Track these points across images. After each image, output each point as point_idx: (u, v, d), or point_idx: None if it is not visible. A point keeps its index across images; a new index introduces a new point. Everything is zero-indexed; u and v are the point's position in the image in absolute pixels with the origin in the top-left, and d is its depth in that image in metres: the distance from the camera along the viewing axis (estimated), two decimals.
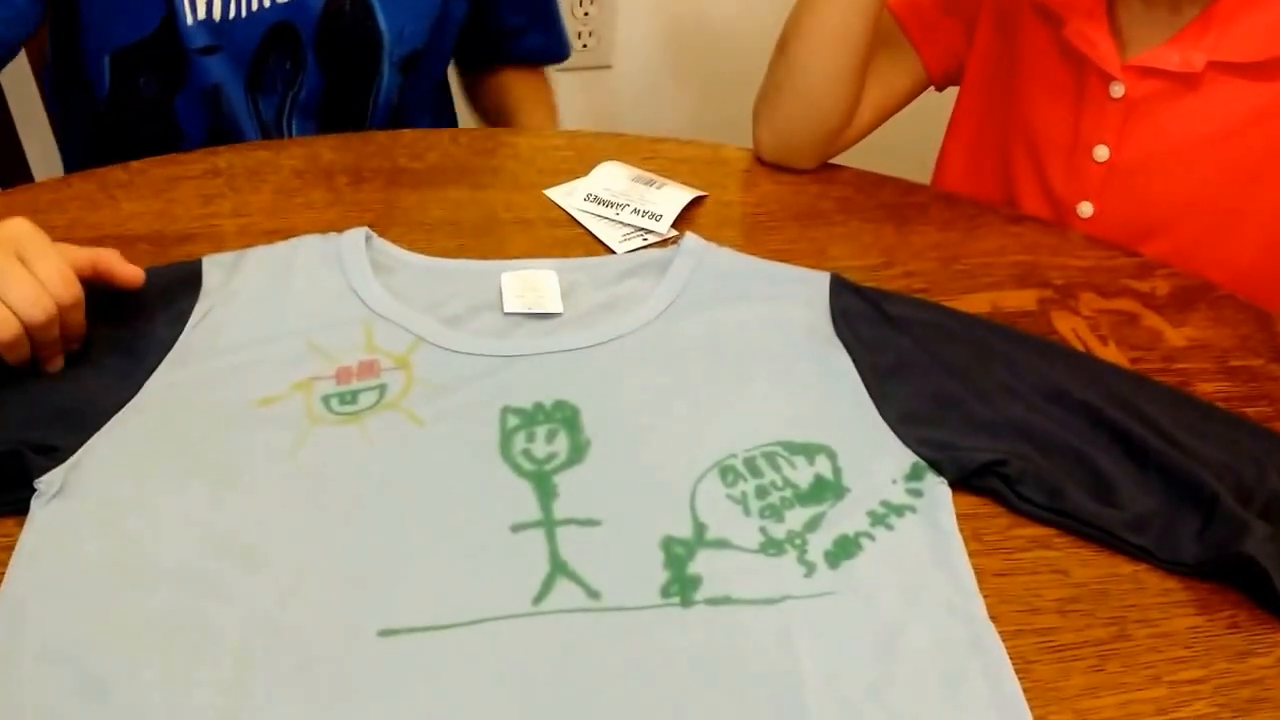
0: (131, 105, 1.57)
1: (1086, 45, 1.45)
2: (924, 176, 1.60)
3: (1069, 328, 1.28)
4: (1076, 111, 1.49)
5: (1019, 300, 1.31)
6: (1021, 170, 1.58)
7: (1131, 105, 1.45)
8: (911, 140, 1.85)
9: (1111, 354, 1.25)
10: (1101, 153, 1.48)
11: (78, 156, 1.68)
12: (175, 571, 0.93)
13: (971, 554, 1.01)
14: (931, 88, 1.63)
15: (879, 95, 1.56)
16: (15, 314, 0.99)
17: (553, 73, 2.68)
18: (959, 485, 1.06)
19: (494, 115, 1.83)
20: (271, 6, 1.50)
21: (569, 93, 2.70)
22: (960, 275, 1.34)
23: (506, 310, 1.19)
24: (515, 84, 1.86)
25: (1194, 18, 1.40)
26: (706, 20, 2.54)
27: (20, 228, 1.03)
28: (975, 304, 1.29)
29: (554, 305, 1.20)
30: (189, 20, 1.47)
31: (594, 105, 2.73)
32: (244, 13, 1.48)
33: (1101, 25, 1.44)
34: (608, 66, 2.58)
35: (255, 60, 1.53)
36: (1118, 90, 1.44)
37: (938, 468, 1.07)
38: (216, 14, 1.48)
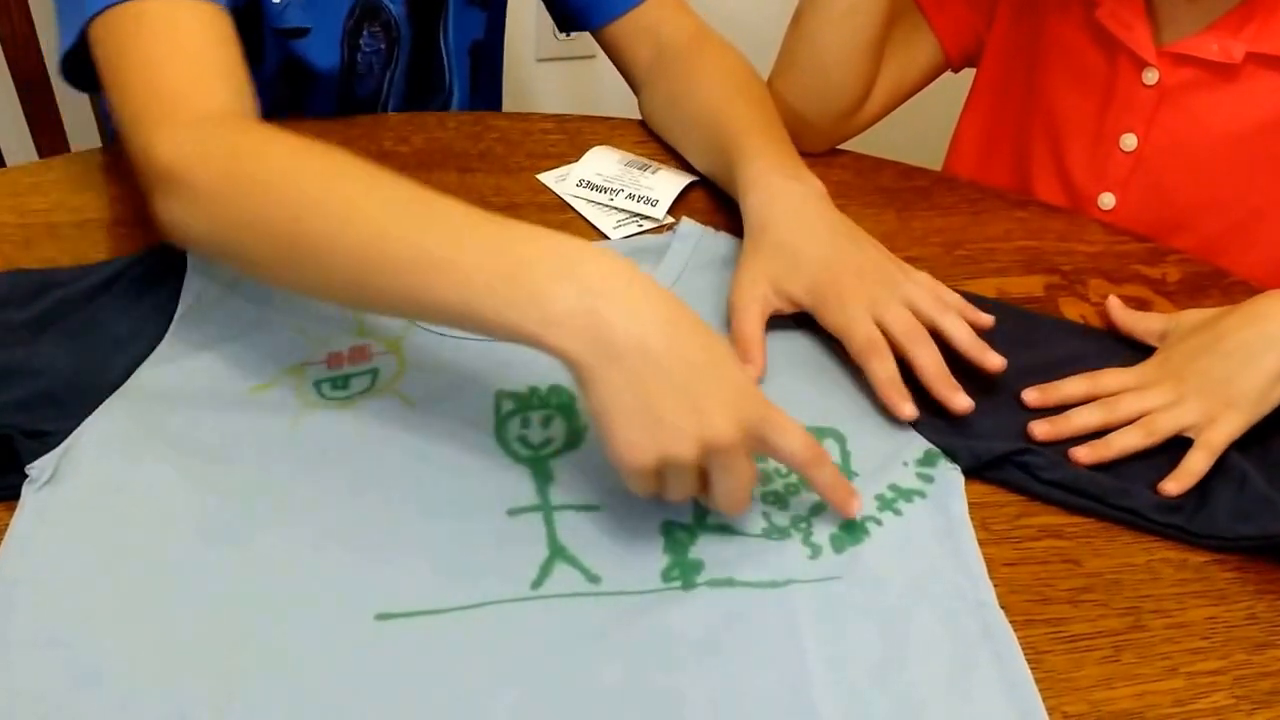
0: None
1: (1120, 28, 1.44)
2: (933, 166, 1.60)
3: (1078, 314, 1.28)
4: (1105, 98, 1.49)
5: (1026, 286, 1.32)
6: (1040, 158, 1.57)
7: (1164, 93, 1.44)
8: (920, 127, 1.85)
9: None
10: (1129, 141, 1.48)
11: None
12: (168, 558, 0.93)
13: (980, 543, 1.01)
14: (949, 69, 1.63)
15: (894, 75, 1.55)
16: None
17: (534, 63, 2.69)
18: (972, 474, 1.07)
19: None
20: None
21: (551, 83, 2.71)
22: (964, 261, 1.34)
23: None
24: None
25: (1234, 6, 1.39)
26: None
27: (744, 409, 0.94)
28: (981, 290, 1.28)
29: None
30: None
31: (577, 95, 2.73)
32: None
33: (1137, 8, 1.43)
34: (591, 56, 2.58)
35: (348, 40, 1.50)
36: (1151, 77, 1.44)
37: (952, 455, 1.07)
38: None
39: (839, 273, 1.17)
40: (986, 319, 1.17)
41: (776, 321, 1.18)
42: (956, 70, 1.64)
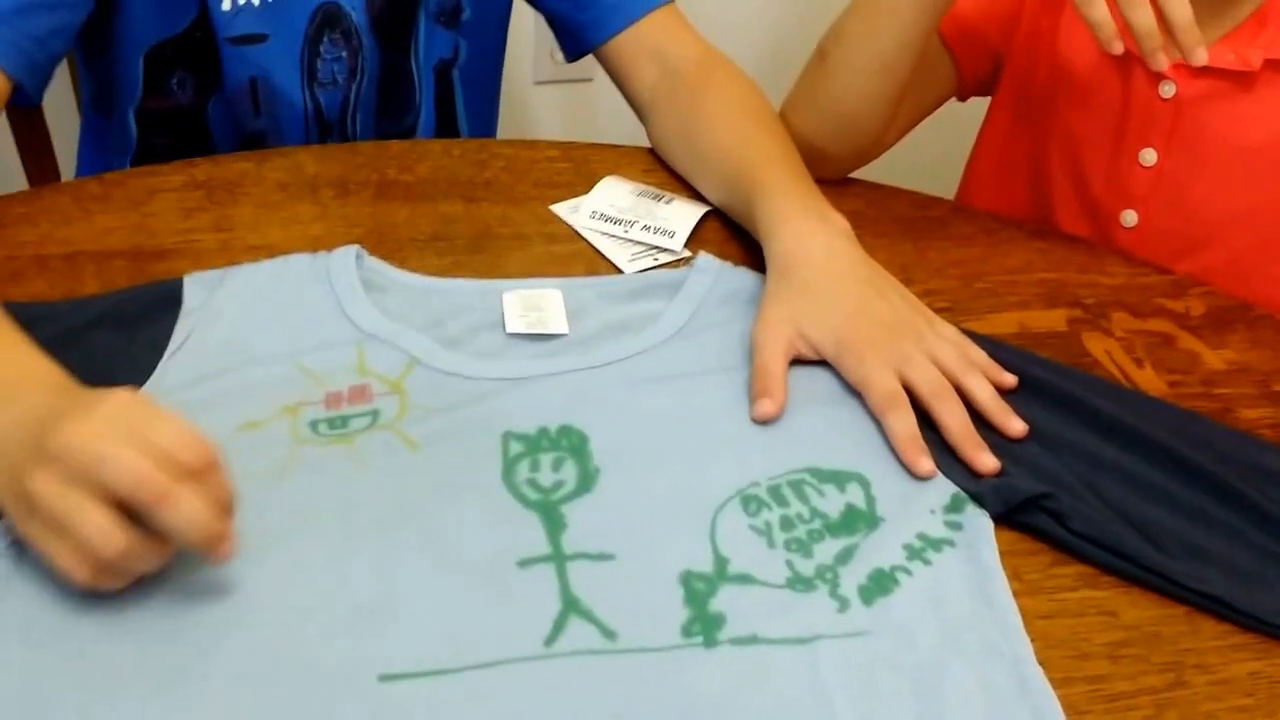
0: (162, 113, 1.55)
1: (1134, 41, 1.40)
2: (942, 193, 1.56)
3: (1102, 349, 1.24)
4: (1121, 113, 1.46)
5: (1048, 320, 1.28)
6: (1059, 178, 1.54)
7: (1182, 106, 1.42)
8: (928, 154, 1.82)
9: (1148, 377, 1.21)
10: (1149, 156, 1.45)
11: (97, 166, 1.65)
12: (152, 616, 0.88)
13: (1013, 594, 0.96)
14: (957, 98, 1.60)
15: (912, 102, 1.51)
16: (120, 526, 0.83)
17: (531, 85, 2.66)
18: (1001, 520, 1.02)
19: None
20: None
21: (549, 106, 2.69)
22: (984, 294, 1.30)
23: (509, 331, 1.15)
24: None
25: (1248, 15, 1.37)
26: None
27: (120, 398, 0.86)
28: (1001, 324, 1.25)
29: (559, 326, 1.16)
30: (225, 5, 1.42)
31: (575, 119, 2.71)
32: None
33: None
34: (589, 79, 2.55)
35: (309, 47, 1.49)
36: (1168, 90, 1.41)
37: (980, 500, 1.02)
38: None
39: (863, 325, 1.14)
40: (1010, 379, 1.13)
41: (800, 360, 1.14)
42: (963, 99, 1.62)
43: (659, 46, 1.51)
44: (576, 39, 1.58)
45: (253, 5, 1.43)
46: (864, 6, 1.42)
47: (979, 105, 1.65)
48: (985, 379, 1.12)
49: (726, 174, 1.34)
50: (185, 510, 0.83)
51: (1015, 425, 1.09)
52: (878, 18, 1.40)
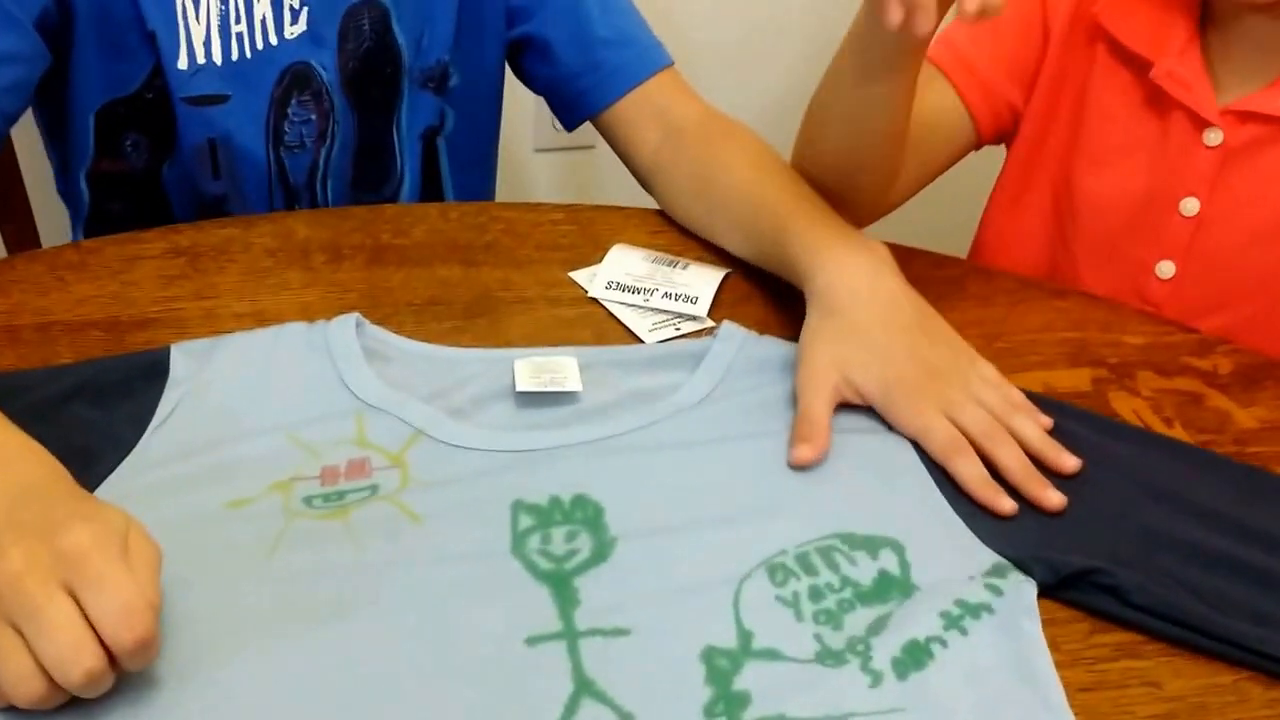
0: (115, 176, 1.53)
1: (1179, 88, 1.40)
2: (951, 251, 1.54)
3: (1129, 409, 1.22)
4: (1160, 162, 1.45)
5: (1073, 380, 1.26)
6: (1085, 228, 1.53)
7: (1229, 154, 1.40)
8: (939, 214, 1.80)
9: (1178, 437, 1.19)
10: (1191, 206, 1.44)
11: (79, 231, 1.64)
12: (125, 705, 0.84)
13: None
14: (975, 148, 1.58)
15: (920, 160, 1.48)
16: (46, 673, 0.79)
17: (532, 153, 2.65)
18: (1049, 593, 0.99)
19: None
20: (280, 44, 1.44)
21: (550, 173, 2.68)
22: (1005, 354, 1.28)
23: (519, 389, 1.12)
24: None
25: None
26: None
27: (80, 544, 0.81)
28: (1025, 384, 1.21)
29: (573, 384, 1.13)
30: (182, 64, 1.40)
31: (577, 186, 2.70)
32: (249, 52, 1.43)
33: (1196, 67, 1.40)
34: (591, 146, 2.54)
35: (275, 109, 1.47)
36: (1213, 137, 1.40)
37: (1025, 569, 0.99)
38: (218, 56, 1.42)
39: (911, 372, 1.13)
40: (1047, 421, 1.13)
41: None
42: (978, 148, 1.59)
43: (661, 108, 1.51)
44: (575, 107, 1.58)
45: (214, 64, 1.42)
46: (827, 73, 1.38)
47: (983, 165, 1.64)
48: (1031, 420, 1.12)
49: (749, 219, 1.34)
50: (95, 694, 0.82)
51: (1068, 462, 1.09)
52: (832, 83, 1.36)
